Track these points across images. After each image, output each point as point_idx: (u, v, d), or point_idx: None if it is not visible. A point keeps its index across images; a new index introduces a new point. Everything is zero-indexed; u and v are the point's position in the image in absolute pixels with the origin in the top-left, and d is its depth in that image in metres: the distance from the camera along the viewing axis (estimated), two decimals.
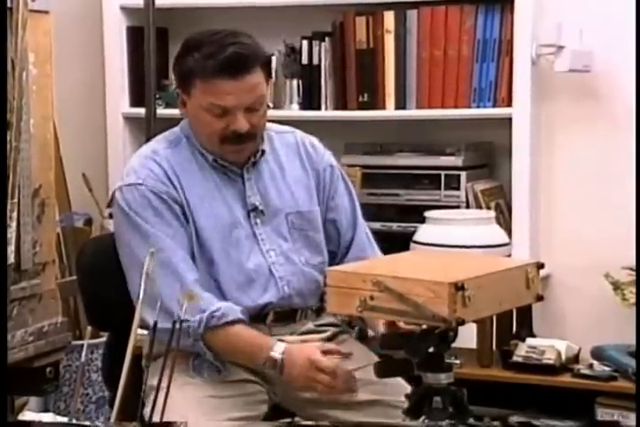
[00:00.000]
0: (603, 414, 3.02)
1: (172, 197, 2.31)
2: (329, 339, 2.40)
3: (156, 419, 1.92)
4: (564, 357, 3.07)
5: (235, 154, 2.34)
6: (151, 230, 2.27)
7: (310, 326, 2.40)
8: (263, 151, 2.40)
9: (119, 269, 2.35)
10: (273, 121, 2.50)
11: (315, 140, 2.51)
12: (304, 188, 2.44)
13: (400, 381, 2.19)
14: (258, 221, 2.37)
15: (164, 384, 1.92)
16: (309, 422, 2.35)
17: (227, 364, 2.30)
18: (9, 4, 1.89)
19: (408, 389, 2.13)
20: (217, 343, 2.26)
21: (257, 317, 2.34)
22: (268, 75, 2.35)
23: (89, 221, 3.55)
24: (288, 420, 2.41)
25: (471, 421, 1.91)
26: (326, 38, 3.54)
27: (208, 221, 2.32)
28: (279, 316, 2.36)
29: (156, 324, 2.02)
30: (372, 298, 1.82)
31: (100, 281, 2.45)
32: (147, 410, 1.97)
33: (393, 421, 2.21)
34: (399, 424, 1.94)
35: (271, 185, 2.40)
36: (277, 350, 2.22)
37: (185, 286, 2.24)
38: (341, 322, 2.47)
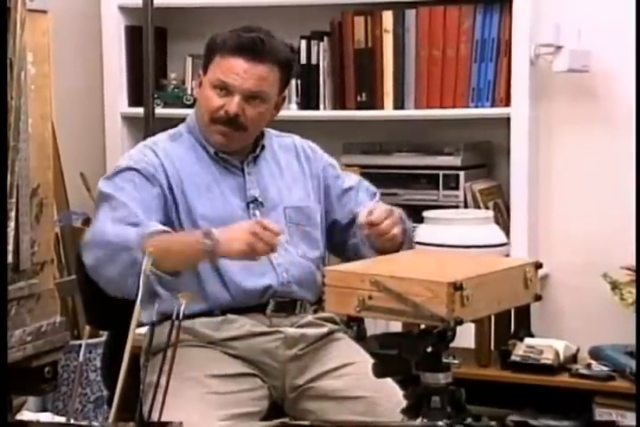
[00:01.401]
0: (601, 413, 3.03)
1: (158, 181, 2.33)
2: (326, 334, 2.42)
3: (155, 416, 1.92)
4: (562, 356, 3.07)
5: (221, 138, 2.37)
6: (122, 199, 2.29)
7: (310, 318, 2.42)
8: (263, 146, 2.45)
9: None
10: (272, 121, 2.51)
11: (312, 144, 2.56)
12: (302, 186, 2.47)
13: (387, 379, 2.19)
14: (257, 212, 2.39)
15: (163, 381, 1.92)
16: (305, 422, 2.35)
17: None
18: (7, 4, 1.89)
19: (395, 386, 2.15)
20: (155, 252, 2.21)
21: (257, 306, 2.36)
22: (284, 81, 2.40)
23: (87, 221, 3.54)
24: (285, 419, 2.41)
25: (469, 421, 1.91)
26: (325, 38, 3.54)
27: (205, 210, 2.35)
28: (279, 306, 2.38)
29: (153, 324, 2.02)
30: (370, 298, 1.82)
31: None
32: (146, 407, 1.97)
33: (385, 419, 2.21)
34: (398, 424, 1.94)
35: (270, 181, 2.44)
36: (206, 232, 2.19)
37: (135, 219, 2.26)
38: (340, 321, 2.48)
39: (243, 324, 2.35)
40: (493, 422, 1.91)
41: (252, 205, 2.39)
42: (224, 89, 2.33)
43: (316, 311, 2.44)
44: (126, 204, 2.28)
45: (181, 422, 1.82)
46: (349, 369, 2.35)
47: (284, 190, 2.45)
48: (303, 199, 2.46)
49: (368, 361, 1.90)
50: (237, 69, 2.32)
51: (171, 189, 2.34)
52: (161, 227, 2.25)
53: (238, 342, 2.35)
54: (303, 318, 2.41)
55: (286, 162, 2.49)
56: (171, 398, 1.93)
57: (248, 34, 2.34)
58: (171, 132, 2.47)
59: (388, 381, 2.17)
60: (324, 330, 2.42)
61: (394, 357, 1.95)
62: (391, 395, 2.18)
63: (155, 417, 1.94)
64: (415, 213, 3.34)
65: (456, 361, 1.93)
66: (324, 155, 2.56)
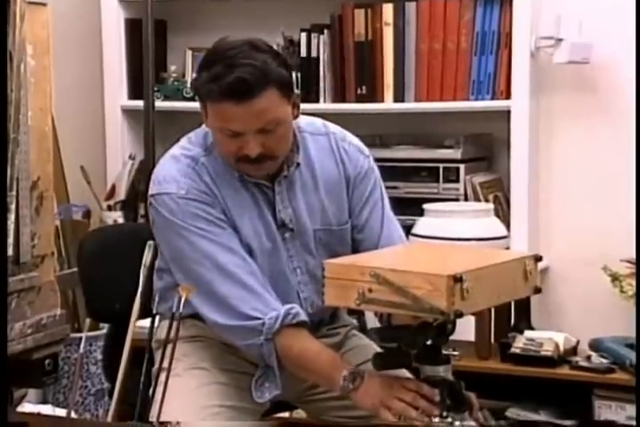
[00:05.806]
0: (600, 405, 3.03)
1: (216, 206, 2.21)
2: (339, 344, 2.36)
3: (157, 398, 1.92)
4: (562, 349, 3.07)
5: (253, 171, 2.22)
6: (200, 239, 2.18)
7: (323, 330, 2.36)
8: (298, 164, 2.27)
9: (120, 262, 2.35)
10: None
11: (347, 145, 2.35)
12: (336, 201, 2.32)
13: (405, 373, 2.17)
14: (287, 235, 2.27)
15: (166, 375, 1.92)
16: (304, 421, 2.34)
17: (280, 377, 2.21)
18: None
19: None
20: (288, 343, 2.15)
21: None
22: (288, 92, 2.16)
23: (87, 214, 3.56)
24: (285, 415, 2.41)
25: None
26: (325, 31, 3.54)
27: (249, 232, 2.24)
28: None
29: (154, 317, 2.03)
30: (370, 290, 1.82)
31: (101, 273, 2.46)
32: (150, 391, 1.97)
33: None
34: (399, 424, 1.94)
35: (302, 199, 2.28)
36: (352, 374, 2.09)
37: (246, 287, 2.17)
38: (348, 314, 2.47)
39: None
40: (495, 423, 1.91)
41: (282, 229, 2.26)
42: (230, 132, 2.14)
43: (331, 320, 2.39)
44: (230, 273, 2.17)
45: (179, 422, 1.82)
46: (367, 366, 2.32)
47: (317, 209, 2.29)
48: (336, 220, 2.31)
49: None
50: (234, 115, 2.09)
51: (220, 207, 2.22)
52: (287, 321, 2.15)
53: None
54: (317, 331, 2.31)
55: (321, 168, 2.30)
56: (174, 381, 1.92)
57: (226, 77, 2.07)
58: (203, 142, 2.27)
59: (405, 372, 2.14)
60: (338, 339, 2.37)
61: (394, 350, 1.95)
62: None
63: (157, 400, 1.93)
64: (415, 206, 3.35)
65: (456, 353, 1.94)
66: (360, 158, 2.33)
